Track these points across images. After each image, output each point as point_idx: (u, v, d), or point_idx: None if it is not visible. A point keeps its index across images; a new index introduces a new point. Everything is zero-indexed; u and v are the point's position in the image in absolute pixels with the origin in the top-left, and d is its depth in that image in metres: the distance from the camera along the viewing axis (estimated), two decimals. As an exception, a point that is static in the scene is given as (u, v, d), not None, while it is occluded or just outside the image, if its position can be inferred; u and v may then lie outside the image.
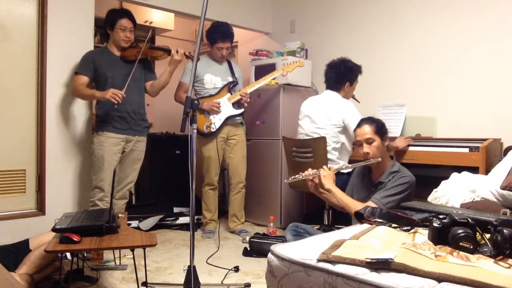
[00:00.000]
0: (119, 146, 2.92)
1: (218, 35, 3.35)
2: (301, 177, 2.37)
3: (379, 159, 2.26)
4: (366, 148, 2.29)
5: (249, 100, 3.43)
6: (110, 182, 2.86)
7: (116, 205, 2.98)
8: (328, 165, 2.42)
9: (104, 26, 3.02)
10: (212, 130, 3.36)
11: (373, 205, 2.12)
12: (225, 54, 3.44)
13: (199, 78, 3.41)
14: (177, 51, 2.98)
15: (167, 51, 3.04)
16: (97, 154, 2.87)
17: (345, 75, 3.06)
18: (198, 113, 3.32)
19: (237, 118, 3.49)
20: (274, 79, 3.81)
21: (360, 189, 2.46)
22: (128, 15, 2.98)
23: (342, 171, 2.60)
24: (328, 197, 2.40)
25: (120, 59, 2.97)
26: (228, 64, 3.55)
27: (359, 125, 2.38)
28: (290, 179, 2.40)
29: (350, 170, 2.55)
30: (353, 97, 3.25)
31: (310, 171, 2.38)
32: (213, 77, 3.43)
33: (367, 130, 2.31)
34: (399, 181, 2.25)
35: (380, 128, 2.32)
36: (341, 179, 2.64)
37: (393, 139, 2.96)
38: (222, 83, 3.44)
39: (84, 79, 2.89)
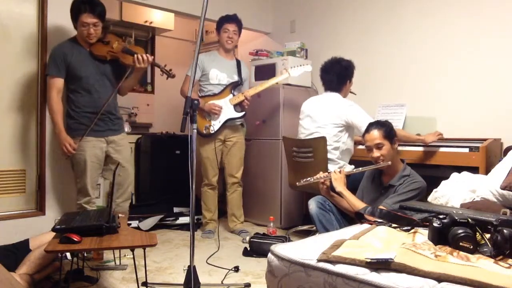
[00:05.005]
0: (101, 149, 2.79)
1: (224, 18, 3.47)
2: (312, 179, 2.37)
3: (389, 162, 2.27)
4: (376, 153, 2.31)
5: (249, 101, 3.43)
6: (93, 185, 2.79)
7: (121, 207, 2.97)
8: (338, 168, 2.42)
9: (71, 19, 2.74)
10: (211, 132, 3.36)
11: None
12: (232, 37, 3.45)
13: (204, 72, 3.41)
14: (138, 58, 2.71)
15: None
16: (78, 160, 2.70)
17: (345, 74, 3.08)
18: (198, 113, 3.31)
19: (237, 120, 3.48)
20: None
21: (370, 191, 2.46)
22: (92, 8, 2.64)
23: (352, 173, 2.59)
24: (339, 201, 2.39)
25: (89, 54, 2.74)
26: (236, 62, 3.55)
27: (367, 130, 2.38)
28: (302, 181, 2.39)
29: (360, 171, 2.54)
30: (350, 91, 3.26)
31: (321, 174, 2.38)
32: (218, 73, 3.42)
33: (376, 135, 2.32)
34: (410, 186, 2.25)
35: (389, 132, 2.33)
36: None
37: None
38: (228, 80, 3.42)
39: (60, 82, 2.68)
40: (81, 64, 2.71)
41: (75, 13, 2.68)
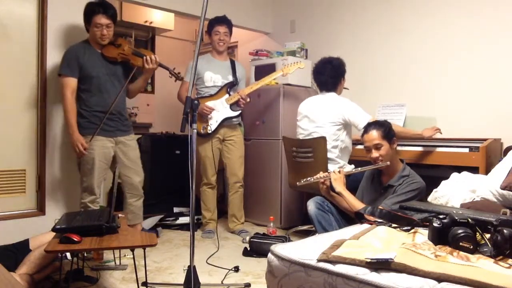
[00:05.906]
0: (109, 149, 2.83)
1: (214, 20, 3.48)
2: (312, 179, 2.38)
3: (388, 162, 2.27)
4: (375, 153, 2.31)
5: (248, 100, 3.42)
6: (99, 185, 2.82)
7: (134, 206, 2.98)
8: (338, 168, 2.42)
9: (84, 21, 2.83)
10: (209, 132, 3.38)
11: None
12: (223, 39, 3.46)
13: (199, 76, 3.43)
14: (147, 60, 2.84)
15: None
16: (87, 158, 2.74)
17: (338, 73, 3.11)
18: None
19: (234, 119, 3.49)
20: (274, 79, 3.82)
21: (369, 191, 2.46)
22: (105, 10, 2.74)
23: (351, 173, 2.59)
24: (339, 201, 2.40)
25: (101, 56, 2.83)
26: (231, 63, 3.55)
27: (366, 130, 2.39)
28: (302, 181, 2.40)
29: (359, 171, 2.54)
30: (344, 87, 3.27)
31: (321, 174, 2.39)
32: (213, 75, 3.43)
33: (375, 136, 2.32)
34: (410, 187, 2.25)
35: (387, 132, 2.33)
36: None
37: None
38: (222, 81, 3.44)
39: (73, 82, 2.74)
40: (93, 64, 2.79)
41: (89, 15, 2.76)
